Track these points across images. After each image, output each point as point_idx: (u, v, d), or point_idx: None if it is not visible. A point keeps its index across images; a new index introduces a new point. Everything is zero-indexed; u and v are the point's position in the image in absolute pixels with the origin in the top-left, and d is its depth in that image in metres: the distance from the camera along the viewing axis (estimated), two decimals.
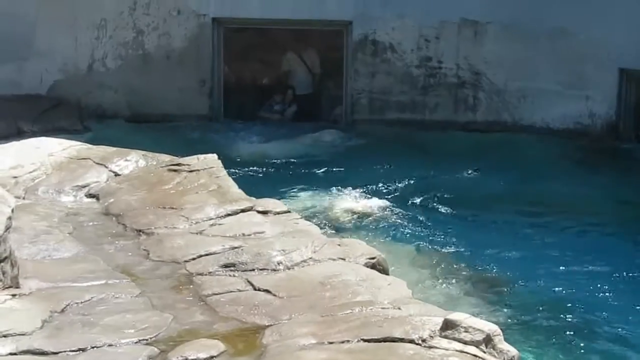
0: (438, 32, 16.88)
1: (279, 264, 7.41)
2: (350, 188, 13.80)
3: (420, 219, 12.74)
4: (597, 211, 13.18)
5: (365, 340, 5.82)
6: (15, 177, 9.62)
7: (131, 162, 10.00)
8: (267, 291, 6.94)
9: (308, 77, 18.42)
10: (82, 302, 6.70)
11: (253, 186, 10.63)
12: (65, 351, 5.94)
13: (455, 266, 11.02)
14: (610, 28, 15.94)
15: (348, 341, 5.84)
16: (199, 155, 9.90)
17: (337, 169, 14.95)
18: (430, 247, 11.64)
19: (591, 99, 16.43)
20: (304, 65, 18.37)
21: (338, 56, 17.46)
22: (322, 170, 14.92)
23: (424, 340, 5.76)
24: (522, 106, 16.83)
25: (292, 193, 13.60)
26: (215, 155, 9.92)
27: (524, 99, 16.80)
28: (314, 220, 10.82)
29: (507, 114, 16.89)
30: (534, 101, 16.72)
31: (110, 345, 6.03)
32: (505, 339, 5.89)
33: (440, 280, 10.61)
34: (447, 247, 11.61)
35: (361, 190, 13.80)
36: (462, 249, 11.60)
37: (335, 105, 17.77)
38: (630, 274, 10.99)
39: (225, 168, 9.81)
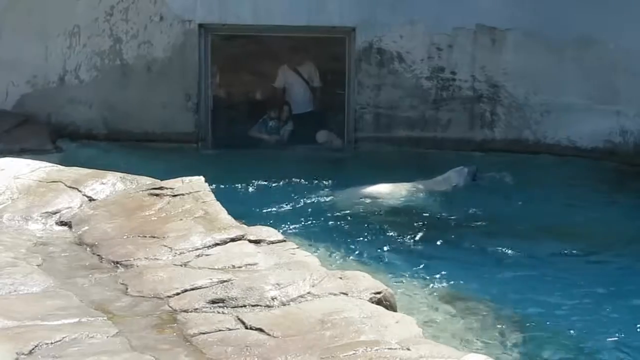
0: (452, 40, 16.94)
1: (273, 299, 7.41)
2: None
3: (429, 250, 12.76)
4: (628, 242, 13.18)
5: None
6: None
7: (107, 185, 10.01)
8: (260, 330, 6.94)
9: (306, 94, 18.25)
10: (52, 343, 6.70)
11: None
12: None
13: (467, 302, 11.03)
14: None
15: None
16: (184, 178, 9.91)
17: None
18: (440, 281, 11.64)
19: (622, 115, 16.49)
20: (300, 79, 18.24)
21: (339, 67, 17.48)
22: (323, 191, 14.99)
23: None
24: (546, 122, 16.88)
25: (277, 214, 13.63)
26: (202, 178, 9.92)
27: (547, 114, 16.86)
28: (312, 251, 10.84)
29: (529, 131, 16.95)
30: (559, 117, 16.78)
31: None
32: None
33: (453, 318, 10.61)
34: (458, 281, 11.62)
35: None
36: (474, 283, 11.61)
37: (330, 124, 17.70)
38: None
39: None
